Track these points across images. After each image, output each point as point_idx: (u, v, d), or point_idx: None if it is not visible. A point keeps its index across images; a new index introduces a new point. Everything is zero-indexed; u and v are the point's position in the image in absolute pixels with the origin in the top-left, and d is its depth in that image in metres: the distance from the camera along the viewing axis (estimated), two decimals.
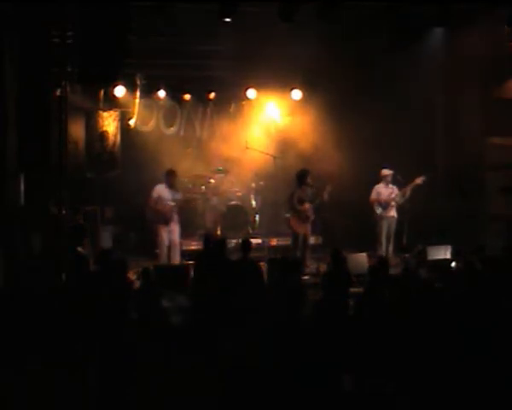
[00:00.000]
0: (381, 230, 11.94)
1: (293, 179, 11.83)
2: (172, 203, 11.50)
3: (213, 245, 9.30)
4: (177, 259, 11.58)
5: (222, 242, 9.42)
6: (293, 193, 11.63)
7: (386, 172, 12.02)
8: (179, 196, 11.72)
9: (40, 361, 6.66)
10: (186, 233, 13.12)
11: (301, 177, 11.59)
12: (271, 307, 7.51)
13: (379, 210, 11.97)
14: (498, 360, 6.45)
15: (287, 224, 11.95)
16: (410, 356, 6.53)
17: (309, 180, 11.58)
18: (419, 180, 11.78)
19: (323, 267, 10.96)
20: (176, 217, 11.67)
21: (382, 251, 11.77)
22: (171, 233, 11.60)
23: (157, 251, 11.72)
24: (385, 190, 12.02)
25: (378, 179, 12.12)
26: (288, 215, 11.91)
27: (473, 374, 6.30)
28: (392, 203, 11.95)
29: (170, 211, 11.51)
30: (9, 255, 9.38)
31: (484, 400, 6.08)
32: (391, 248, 11.97)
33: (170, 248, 11.58)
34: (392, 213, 12.01)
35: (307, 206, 11.53)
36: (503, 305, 7.19)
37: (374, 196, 12.05)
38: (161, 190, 11.53)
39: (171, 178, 11.59)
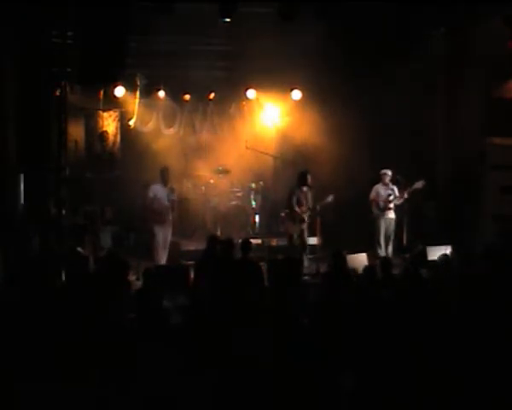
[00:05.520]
0: (379, 230, 11.90)
1: (293, 179, 11.82)
2: (167, 203, 11.43)
3: (220, 245, 9.25)
4: (165, 259, 11.44)
5: (229, 242, 9.35)
6: (292, 193, 11.62)
7: (385, 172, 12.01)
8: (174, 196, 11.61)
9: (39, 362, 6.65)
10: (186, 233, 13.13)
11: (302, 177, 11.58)
12: (271, 306, 7.51)
13: (376, 211, 11.96)
14: (498, 360, 6.45)
15: (281, 222, 11.94)
16: (410, 356, 6.53)
17: (309, 181, 11.57)
18: (419, 184, 11.74)
19: (323, 267, 10.95)
20: (170, 217, 11.60)
21: (381, 252, 11.76)
22: (166, 233, 11.55)
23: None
24: (384, 191, 11.99)
25: (378, 179, 12.12)
26: (283, 214, 11.90)
27: (473, 374, 6.29)
28: (391, 205, 11.93)
29: (166, 210, 11.46)
30: (9, 255, 9.37)
31: (484, 400, 6.08)
32: (390, 248, 11.95)
33: (163, 248, 11.52)
34: (391, 214, 11.96)
35: (304, 208, 11.50)
36: (505, 305, 7.18)
37: (373, 195, 12.04)
38: (157, 190, 11.43)
39: (165, 175, 11.48)
